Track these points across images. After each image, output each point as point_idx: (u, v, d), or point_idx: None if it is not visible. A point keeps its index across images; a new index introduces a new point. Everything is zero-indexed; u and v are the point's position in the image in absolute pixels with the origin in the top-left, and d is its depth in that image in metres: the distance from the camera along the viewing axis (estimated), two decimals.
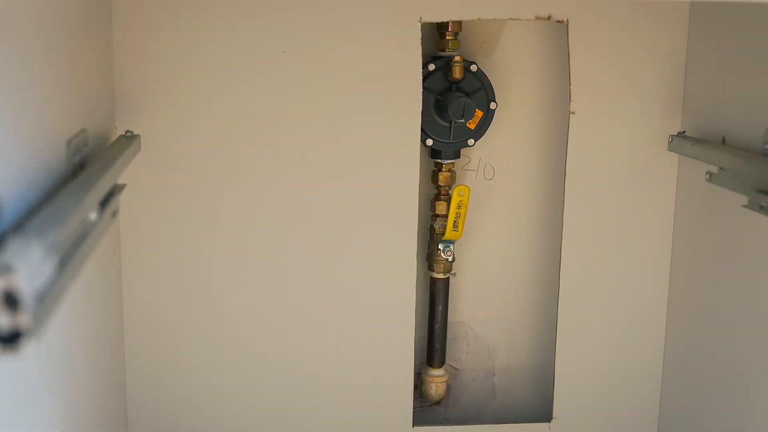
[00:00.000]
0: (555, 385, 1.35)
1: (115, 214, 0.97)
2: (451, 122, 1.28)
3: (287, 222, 1.26)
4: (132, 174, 1.16)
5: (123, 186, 1.02)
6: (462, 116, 1.26)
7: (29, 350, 0.55)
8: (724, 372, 1.18)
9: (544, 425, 1.37)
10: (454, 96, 1.26)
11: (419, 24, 1.22)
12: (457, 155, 1.32)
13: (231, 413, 1.31)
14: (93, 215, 0.84)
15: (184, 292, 1.27)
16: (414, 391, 1.37)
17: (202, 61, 1.21)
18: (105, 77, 1.15)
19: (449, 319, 1.39)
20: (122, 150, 1.04)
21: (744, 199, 1.05)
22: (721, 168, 1.11)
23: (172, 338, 1.28)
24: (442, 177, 1.32)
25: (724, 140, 1.16)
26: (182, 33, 1.20)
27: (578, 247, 1.32)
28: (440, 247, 1.33)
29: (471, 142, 1.31)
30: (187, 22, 1.20)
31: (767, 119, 1.06)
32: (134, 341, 1.27)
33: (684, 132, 1.25)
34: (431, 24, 1.28)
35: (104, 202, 0.91)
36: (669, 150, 1.26)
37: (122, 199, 1.07)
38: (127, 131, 1.16)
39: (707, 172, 1.14)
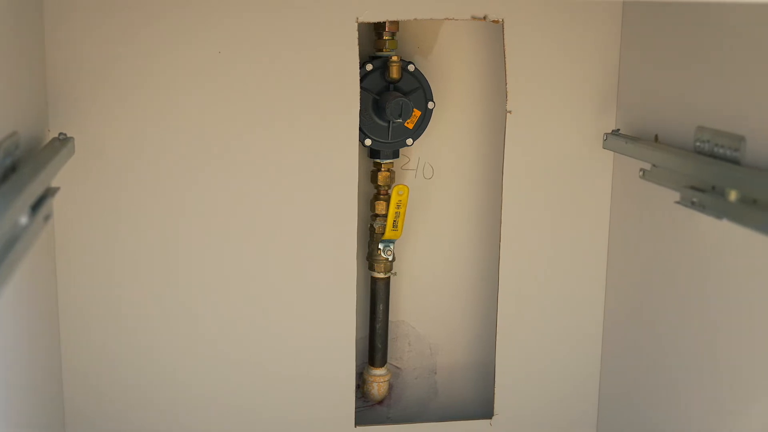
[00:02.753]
0: (495, 383, 1.36)
1: (47, 217, 0.96)
2: (389, 122, 1.29)
3: (225, 222, 1.26)
4: (66, 177, 1.14)
5: (56, 189, 1.00)
6: (400, 116, 1.26)
7: None
8: (661, 366, 1.20)
9: (485, 422, 1.38)
10: (391, 96, 1.27)
11: (356, 24, 1.22)
12: (396, 155, 1.33)
13: (171, 413, 1.29)
14: (24, 219, 0.83)
15: (120, 294, 1.25)
16: (356, 391, 1.37)
17: (136, 61, 1.19)
18: (37, 79, 1.13)
19: (390, 318, 1.39)
20: (55, 153, 1.02)
21: (676, 195, 1.07)
22: (654, 165, 1.13)
23: (109, 339, 1.26)
24: (381, 177, 1.32)
25: (656, 138, 1.18)
26: (116, 33, 1.18)
27: (516, 245, 1.33)
28: (380, 246, 1.34)
29: (409, 141, 1.32)
30: (121, 22, 1.18)
31: (698, 117, 1.08)
32: (71, 344, 1.25)
33: (618, 130, 1.27)
34: (368, 24, 1.28)
35: (36, 206, 0.89)
36: (604, 148, 1.27)
37: (56, 203, 1.06)
38: (60, 134, 1.14)
39: (641, 169, 1.16)
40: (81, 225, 1.22)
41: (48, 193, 0.96)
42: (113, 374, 1.27)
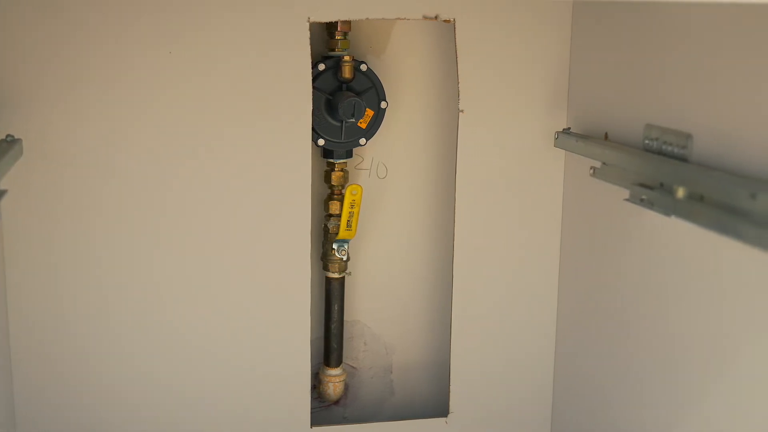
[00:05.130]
0: (451, 381, 1.37)
1: None
2: (342, 122, 1.29)
3: (176, 223, 1.25)
4: (14, 179, 1.12)
5: (4, 192, 0.99)
6: (353, 116, 1.26)
7: None
8: (614, 363, 1.21)
9: (441, 420, 1.38)
10: (344, 96, 1.27)
11: (308, 24, 1.22)
12: (349, 155, 1.33)
13: (123, 414, 1.28)
14: None
15: (69, 296, 1.24)
16: (312, 392, 1.37)
17: (86, 62, 1.18)
18: None
19: (346, 318, 1.39)
20: (2, 155, 1.01)
21: (626, 193, 1.08)
22: (604, 163, 1.14)
23: (59, 340, 1.24)
24: (335, 177, 1.32)
25: (606, 136, 1.19)
26: (65, 32, 1.17)
27: (470, 243, 1.33)
28: (334, 246, 1.34)
29: (363, 141, 1.32)
30: (69, 20, 1.17)
31: (646, 115, 1.09)
32: (20, 344, 1.23)
33: (569, 128, 1.28)
34: (320, 24, 1.28)
35: None
36: (555, 146, 1.28)
37: (3, 205, 1.04)
38: (7, 135, 1.12)
39: (591, 167, 1.17)
40: (29, 227, 1.21)
41: None
42: (62, 375, 1.26)
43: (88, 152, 1.20)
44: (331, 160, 1.32)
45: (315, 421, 1.35)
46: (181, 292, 1.27)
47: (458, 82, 1.28)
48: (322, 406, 1.42)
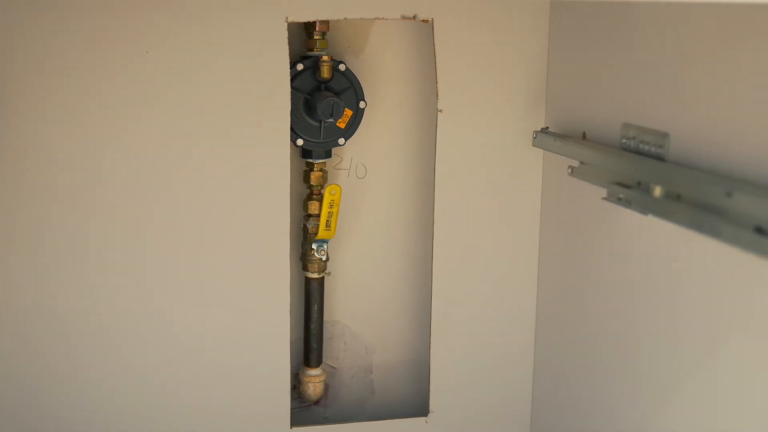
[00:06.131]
0: (431, 380, 1.37)
1: None
2: (320, 122, 1.28)
3: (156, 224, 1.24)
4: (1, 180, 1.12)
5: None
6: (331, 115, 1.26)
7: None
8: (593, 362, 1.22)
9: (421, 420, 1.39)
10: (323, 95, 1.27)
11: (286, 24, 1.22)
12: (328, 154, 1.33)
13: (100, 415, 1.27)
14: None
15: (39, 301, 1.23)
16: (292, 392, 1.36)
17: (60, 60, 1.17)
18: None
19: (325, 318, 1.39)
20: None
21: (604, 192, 1.09)
22: (582, 162, 1.15)
23: (21, 341, 1.23)
24: (314, 177, 1.32)
25: (584, 135, 1.20)
26: (38, 30, 1.16)
27: (449, 243, 1.34)
28: (314, 246, 1.33)
29: (341, 141, 1.31)
30: (40, 20, 1.16)
31: (623, 114, 1.10)
32: (4, 343, 1.22)
33: (547, 128, 1.28)
34: (299, 24, 1.28)
35: None
36: (533, 146, 1.29)
37: None
38: None
39: (569, 167, 1.18)
40: (14, 228, 1.20)
41: None
42: (30, 378, 1.25)
43: (60, 153, 1.20)
44: (310, 160, 1.32)
45: (295, 422, 1.35)
46: (159, 292, 1.26)
47: (437, 82, 1.28)
48: (303, 407, 1.42)
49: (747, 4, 0.87)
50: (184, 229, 1.25)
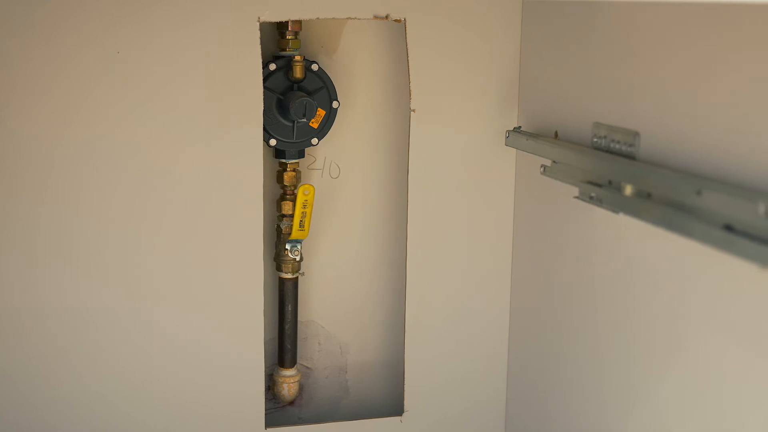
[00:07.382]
0: (405, 380, 1.37)
1: None
2: (293, 122, 1.28)
3: (128, 224, 1.23)
4: None
5: None
6: (304, 115, 1.26)
7: None
8: (566, 361, 1.22)
9: (396, 419, 1.39)
10: (295, 95, 1.26)
11: (258, 24, 1.22)
12: (301, 155, 1.32)
13: (73, 414, 1.27)
14: None
15: (19, 300, 1.22)
16: (266, 393, 1.36)
17: (28, 60, 1.16)
18: None
19: (299, 318, 1.39)
20: None
21: (576, 191, 1.09)
22: (554, 161, 1.16)
23: (6, 338, 1.23)
24: (287, 177, 1.32)
25: (556, 134, 1.20)
26: (8, 31, 1.15)
27: (422, 242, 1.34)
28: (287, 246, 1.33)
29: (315, 141, 1.31)
30: (15, 19, 1.15)
31: (595, 114, 1.10)
32: None
33: (520, 127, 1.29)
34: (271, 24, 1.27)
35: None
36: (506, 145, 1.29)
37: None
38: None
39: (542, 165, 1.18)
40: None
41: None
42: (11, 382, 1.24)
43: (36, 152, 1.19)
44: (283, 161, 1.32)
45: (270, 422, 1.35)
46: (132, 293, 1.25)
47: (410, 82, 1.29)
48: (277, 407, 1.42)
49: (714, 3, 0.88)
50: (157, 229, 1.24)
